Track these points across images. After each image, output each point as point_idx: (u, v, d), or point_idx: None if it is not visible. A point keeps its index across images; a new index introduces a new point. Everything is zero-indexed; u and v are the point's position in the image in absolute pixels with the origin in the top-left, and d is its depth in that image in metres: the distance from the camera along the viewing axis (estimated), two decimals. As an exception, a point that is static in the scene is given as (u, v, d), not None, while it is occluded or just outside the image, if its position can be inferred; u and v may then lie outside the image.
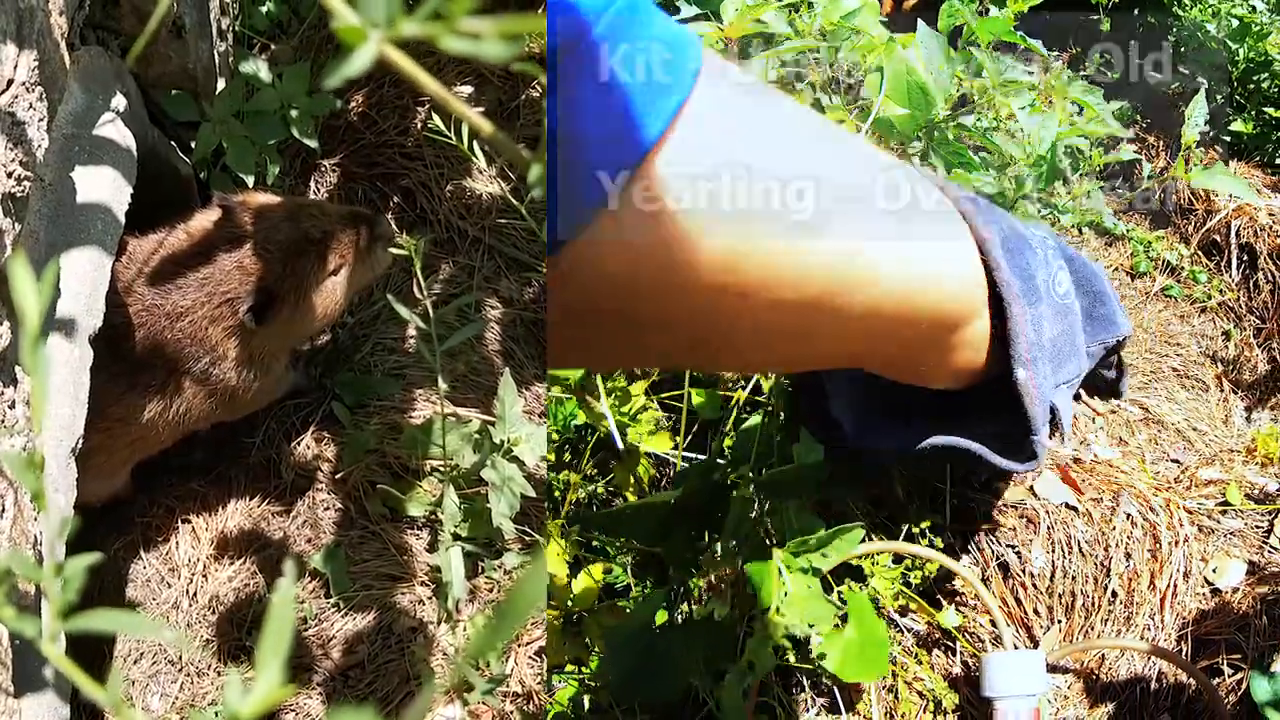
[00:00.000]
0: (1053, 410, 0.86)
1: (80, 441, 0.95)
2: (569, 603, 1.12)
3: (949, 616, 1.13)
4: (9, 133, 0.80)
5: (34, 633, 0.30)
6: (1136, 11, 1.99)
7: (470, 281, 1.50)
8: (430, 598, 1.33)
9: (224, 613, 1.32)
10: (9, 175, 0.80)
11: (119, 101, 1.14)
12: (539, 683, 1.30)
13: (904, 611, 1.15)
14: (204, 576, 1.36)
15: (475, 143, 1.27)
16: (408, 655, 1.28)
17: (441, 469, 1.38)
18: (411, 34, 0.28)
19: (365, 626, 1.30)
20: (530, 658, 1.32)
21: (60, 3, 0.93)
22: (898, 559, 1.13)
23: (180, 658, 1.30)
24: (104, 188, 1.04)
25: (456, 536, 1.33)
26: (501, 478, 1.27)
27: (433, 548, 1.36)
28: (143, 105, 1.27)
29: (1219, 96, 1.84)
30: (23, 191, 0.82)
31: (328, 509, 1.38)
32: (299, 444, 1.41)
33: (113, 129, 1.10)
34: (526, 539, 1.37)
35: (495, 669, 1.29)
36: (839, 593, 1.08)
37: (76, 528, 0.93)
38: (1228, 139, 1.79)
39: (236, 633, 1.30)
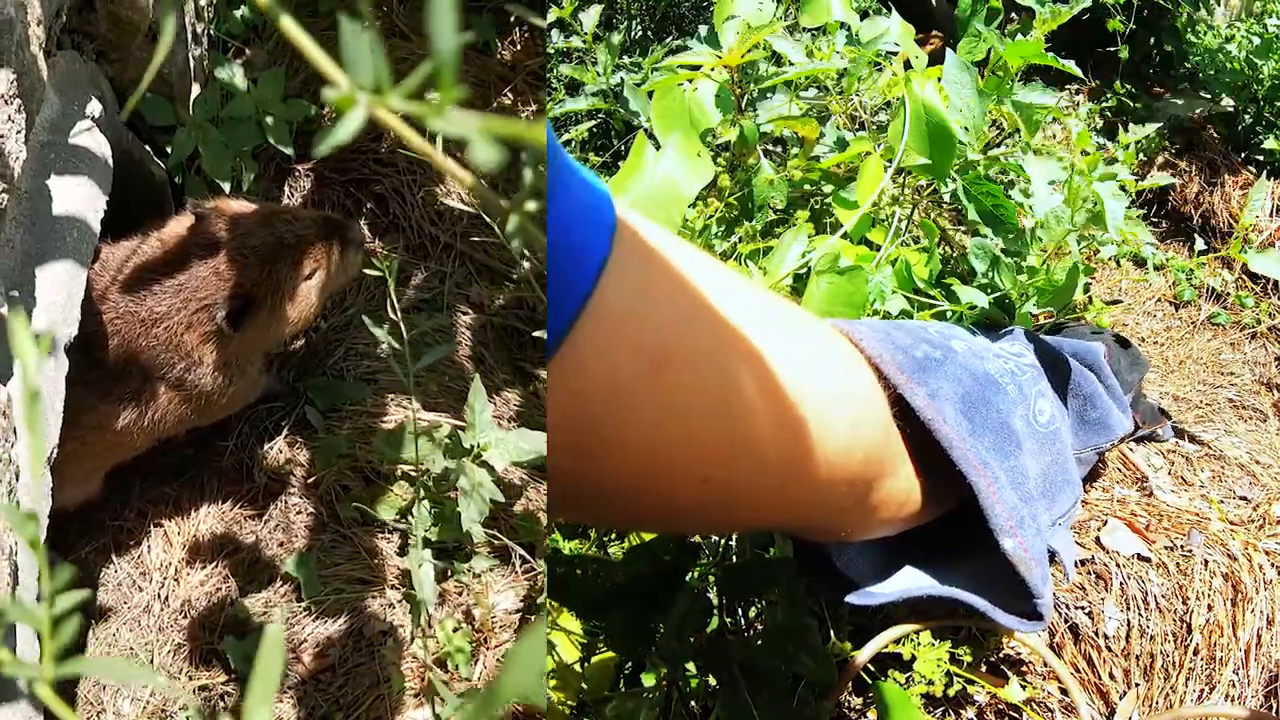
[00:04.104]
0: (1052, 554, 0.80)
1: (55, 451, 0.96)
2: (582, 687, 1.03)
3: (1014, 690, 1.02)
4: (-13, 146, 0.81)
5: (32, 675, 0.31)
6: (1153, 41, 2.00)
7: (441, 287, 1.51)
8: (400, 601, 1.34)
9: (196, 617, 1.32)
10: (-13, 188, 0.81)
11: (94, 107, 1.15)
12: (509, 686, 1.31)
13: (963, 692, 1.05)
14: (176, 580, 1.36)
15: (447, 155, 1.28)
16: (377, 658, 1.30)
17: (413, 473, 1.40)
18: (399, 109, 0.29)
19: (336, 630, 1.31)
20: (499, 661, 1.33)
21: (39, 12, 0.93)
22: (944, 634, 1.02)
23: (152, 662, 1.30)
24: (80, 197, 1.04)
25: (427, 542, 1.34)
26: (471, 483, 1.28)
27: (403, 551, 1.37)
28: (118, 109, 1.27)
29: (1247, 115, 1.84)
30: (0, 204, 0.83)
31: (300, 513, 1.39)
32: (271, 448, 1.42)
33: (89, 137, 1.10)
34: (496, 543, 1.38)
35: (464, 671, 1.30)
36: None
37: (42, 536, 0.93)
38: (1260, 158, 1.79)
39: (209, 637, 1.30)
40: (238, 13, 1.47)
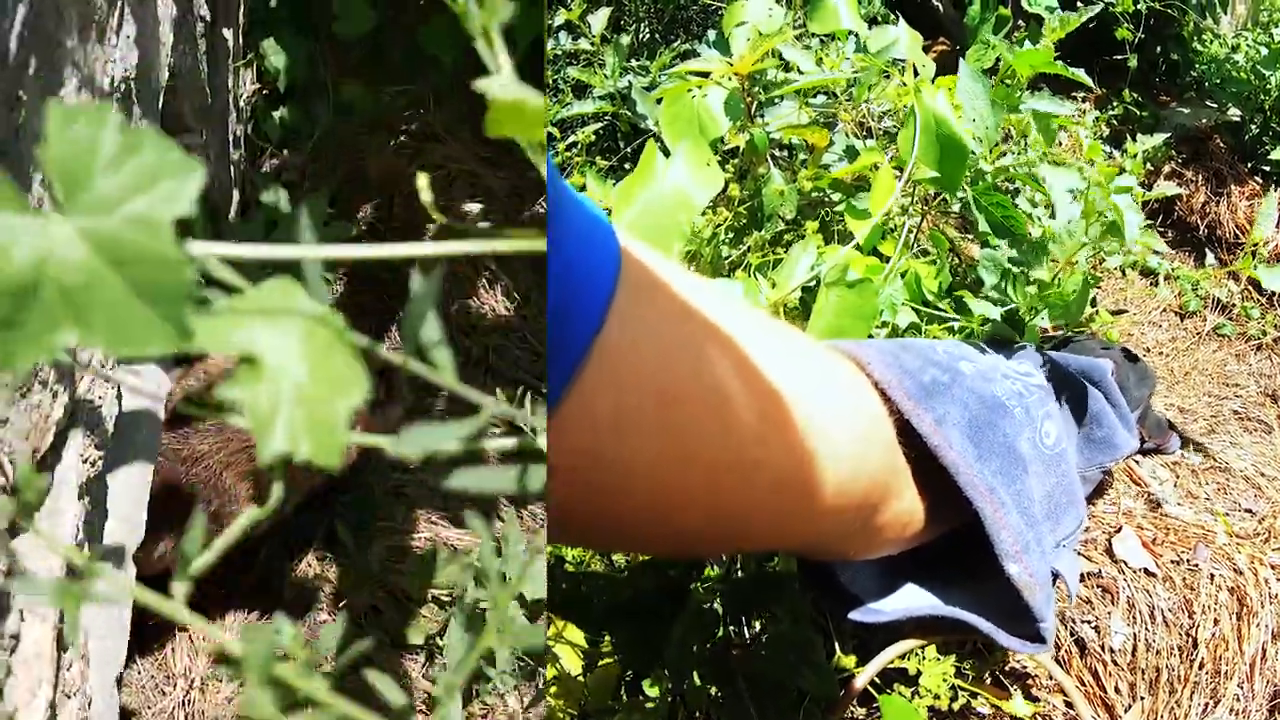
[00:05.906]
0: (1055, 575, 0.80)
1: (124, 668, 0.97)
2: (584, 696, 1.02)
3: (1019, 704, 1.02)
4: (86, 420, 0.80)
5: None
6: (1159, 49, 1.99)
7: (472, 398, 1.51)
8: (427, 727, 1.37)
9: (224, 739, 1.34)
10: (85, 461, 0.81)
11: (148, 263, 1.13)
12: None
13: (967, 705, 1.05)
14: (201, 692, 1.37)
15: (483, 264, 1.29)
16: (404, 785, 1.32)
17: (444, 597, 1.41)
18: None
19: (365, 760, 1.33)
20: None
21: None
22: (949, 647, 1.02)
23: (179, 782, 1.32)
24: (146, 388, 1.04)
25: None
26: (503, 619, 1.30)
27: (429, 674, 1.39)
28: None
29: (1253, 125, 1.85)
30: (96, 473, 0.82)
31: (327, 631, 1.40)
32: (300, 562, 1.42)
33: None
34: (523, 665, 1.41)
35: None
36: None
37: None
38: (1267, 168, 1.80)
39: (237, 763, 1.33)
40: (276, 114, 1.44)
